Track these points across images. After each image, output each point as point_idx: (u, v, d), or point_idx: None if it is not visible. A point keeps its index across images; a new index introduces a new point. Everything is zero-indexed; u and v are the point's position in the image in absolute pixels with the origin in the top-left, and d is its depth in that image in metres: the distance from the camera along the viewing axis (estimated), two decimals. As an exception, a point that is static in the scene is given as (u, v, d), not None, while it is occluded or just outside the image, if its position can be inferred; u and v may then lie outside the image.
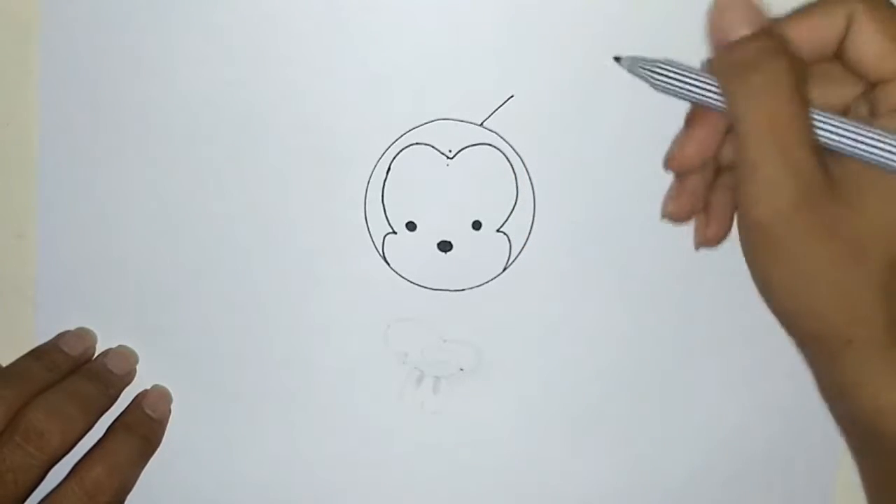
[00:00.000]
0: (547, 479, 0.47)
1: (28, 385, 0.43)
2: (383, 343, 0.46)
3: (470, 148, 0.44)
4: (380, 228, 0.45)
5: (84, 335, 0.45)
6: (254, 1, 0.43)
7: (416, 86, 0.44)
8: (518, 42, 0.43)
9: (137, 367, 0.46)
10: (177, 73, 0.44)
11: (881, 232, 0.36)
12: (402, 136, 0.44)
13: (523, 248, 0.45)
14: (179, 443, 0.46)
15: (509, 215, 0.45)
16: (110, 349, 0.46)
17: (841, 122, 0.37)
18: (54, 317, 0.45)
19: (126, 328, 0.46)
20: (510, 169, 0.44)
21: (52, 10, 0.43)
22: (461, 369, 0.46)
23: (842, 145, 0.37)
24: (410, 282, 0.45)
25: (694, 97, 0.39)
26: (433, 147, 0.44)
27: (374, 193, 0.45)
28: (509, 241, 0.45)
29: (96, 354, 0.46)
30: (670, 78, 0.39)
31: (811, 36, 0.38)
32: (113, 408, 0.45)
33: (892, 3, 0.38)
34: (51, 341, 0.45)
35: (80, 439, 0.43)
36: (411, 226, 0.45)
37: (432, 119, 0.44)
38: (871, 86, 0.38)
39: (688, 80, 0.39)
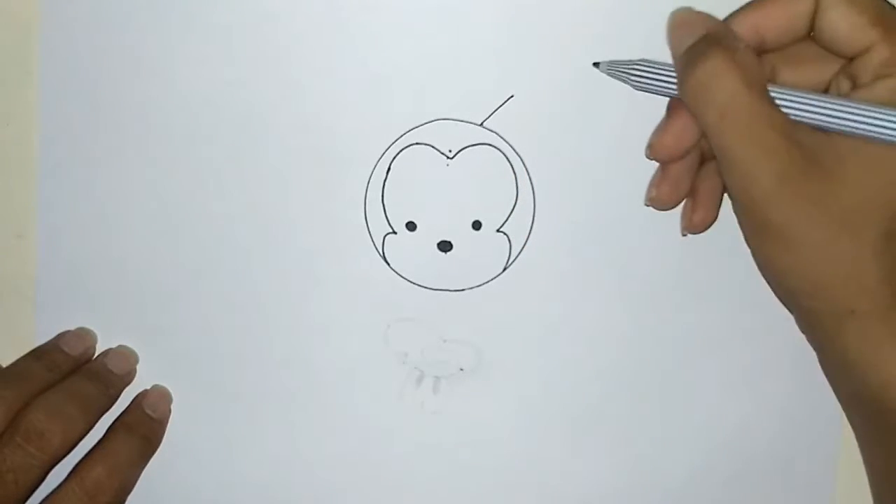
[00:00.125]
0: (547, 479, 0.47)
1: (28, 385, 0.42)
2: (383, 343, 0.46)
3: (470, 148, 0.44)
4: (380, 228, 0.45)
5: (84, 335, 0.45)
6: (254, 1, 0.43)
7: (416, 86, 0.44)
8: (518, 42, 0.43)
9: (137, 367, 0.46)
10: (177, 73, 0.44)
11: (868, 202, 0.37)
12: (402, 136, 0.44)
13: (523, 248, 0.45)
14: (179, 443, 0.46)
15: (509, 215, 0.45)
16: (110, 349, 0.46)
17: (808, 98, 0.37)
18: (54, 317, 0.45)
19: (126, 328, 0.46)
20: (510, 169, 0.44)
21: (52, 10, 0.44)
22: (461, 369, 0.46)
23: (815, 120, 0.37)
24: (410, 282, 0.45)
25: (671, 92, 0.40)
26: (433, 147, 0.44)
27: (374, 193, 0.45)
28: (509, 241, 0.45)
29: (96, 354, 0.46)
30: (646, 77, 0.40)
31: (781, 18, 0.39)
32: (113, 408, 0.45)
33: None
34: (51, 341, 0.45)
35: (80, 439, 0.43)
36: (411, 226, 0.45)
37: (432, 119, 0.44)
38: (849, 60, 0.38)
39: (661, 76, 0.40)
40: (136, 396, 0.46)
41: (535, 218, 0.45)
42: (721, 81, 0.37)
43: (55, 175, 0.45)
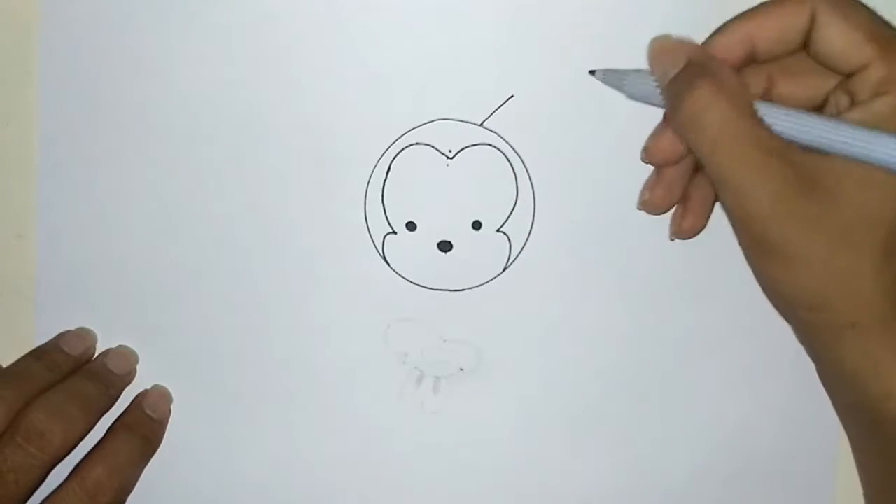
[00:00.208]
0: (547, 479, 0.47)
1: (29, 385, 0.42)
2: (383, 343, 0.46)
3: (470, 148, 0.44)
4: (380, 228, 0.45)
5: (84, 335, 0.45)
6: (254, 1, 0.43)
7: (416, 86, 0.44)
8: (518, 42, 0.43)
9: (137, 367, 0.46)
10: (177, 73, 0.44)
11: (866, 219, 0.37)
12: (402, 136, 0.44)
13: (523, 248, 0.45)
14: (179, 443, 0.46)
15: (509, 215, 0.45)
16: (110, 349, 0.46)
17: (799, 119, 0.37)
18: (54, 317, 0.45)
19: (126, 328, 0.46)
20: (510, 169, 0.44)
21: (52, 10, 0.44)
22: (461, 369, 0.46)
23: (808, 141, 0.37)
24: (410, 282, 0.45)
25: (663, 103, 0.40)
26: (433, 147, 0.44)
27: (374, 193, 0.45)
28: (509, 241, 0.45)
29: (96, 354, 0.46)
30: (639, 87, 0.40)
31: (775, 30, 0.38)
32: (113, 408, 0.45)
33: None
34: (51, 341, 0.45)
35: (81, 439, 0.43)
36: (411, 226, 0.45)
37: (432, 119, 0.44)
38: (847, 76, 0.38)
39: (655, 87, 0.40)
40: (136, 396, 0.46)
41: (535, 218, 0.45)
42: (710, 114, 0.37)
43: (55, 175, 0.45)
